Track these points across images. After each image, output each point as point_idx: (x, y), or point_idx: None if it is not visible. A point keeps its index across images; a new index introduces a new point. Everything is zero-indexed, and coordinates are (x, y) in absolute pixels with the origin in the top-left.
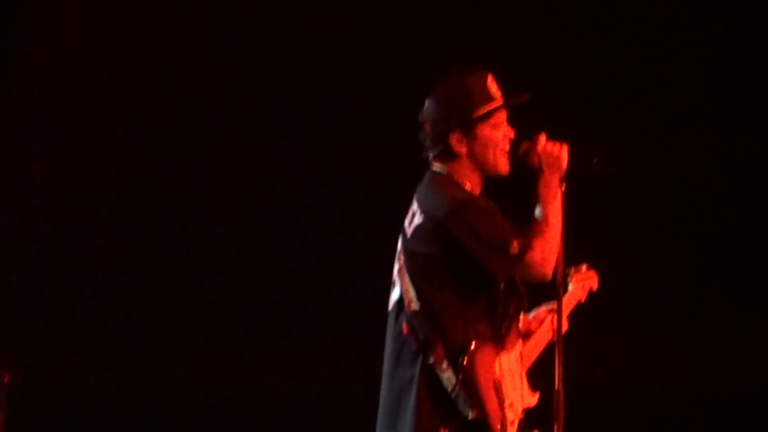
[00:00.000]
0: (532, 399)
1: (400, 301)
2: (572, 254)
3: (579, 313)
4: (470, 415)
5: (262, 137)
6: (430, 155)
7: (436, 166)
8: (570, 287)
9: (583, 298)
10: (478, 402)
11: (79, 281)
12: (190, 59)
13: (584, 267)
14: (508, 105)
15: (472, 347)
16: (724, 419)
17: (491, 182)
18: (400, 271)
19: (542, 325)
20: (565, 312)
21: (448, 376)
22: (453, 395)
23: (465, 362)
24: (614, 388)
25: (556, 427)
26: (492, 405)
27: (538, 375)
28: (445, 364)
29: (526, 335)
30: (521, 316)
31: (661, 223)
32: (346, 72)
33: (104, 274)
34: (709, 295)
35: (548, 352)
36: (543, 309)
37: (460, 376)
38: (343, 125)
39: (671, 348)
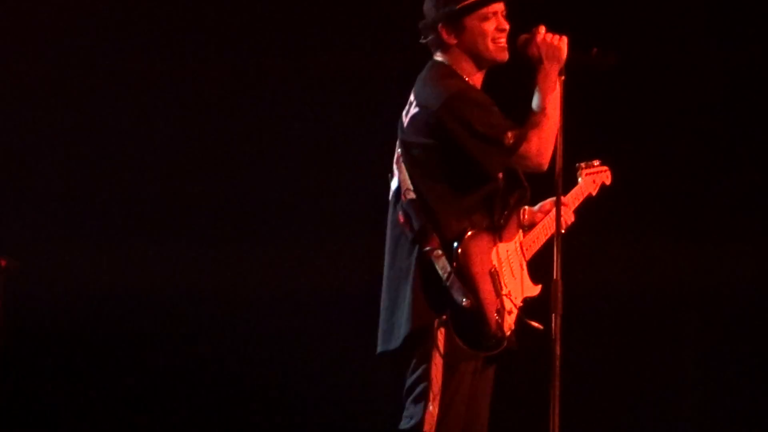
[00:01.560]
0: (534, 289)
1: (398, 191)
2: (577, 149)
3: (587, 207)
4: (464, 303)
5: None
6: (430, 47)
7: (438, 56)
8: (580, 181)
9: (594, 192)
10: (472, 290)
11: (78, 173)
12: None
13: (596, 162)
14: None
15: (467, 236)
16: (721, 320)
17: (492, 73)
18: (397, 161)
19: (546, 216)
20: (573, 205)
21: (443, 265)
22: (447, 283)
23: (459, 250)
24: (614, 283)
25: (553, 317)
26: (487, 293)
27: (543, 266)
28: (439, 252)
29: (529, 226)
30: (524, 208)
31: (662, 119)
32: None
33: (104, 168)
34: (712, 194)
35: (551, 244)
36: (548, 201)
37: (455, 264)
38: (339, 30)
39: (673, 247)
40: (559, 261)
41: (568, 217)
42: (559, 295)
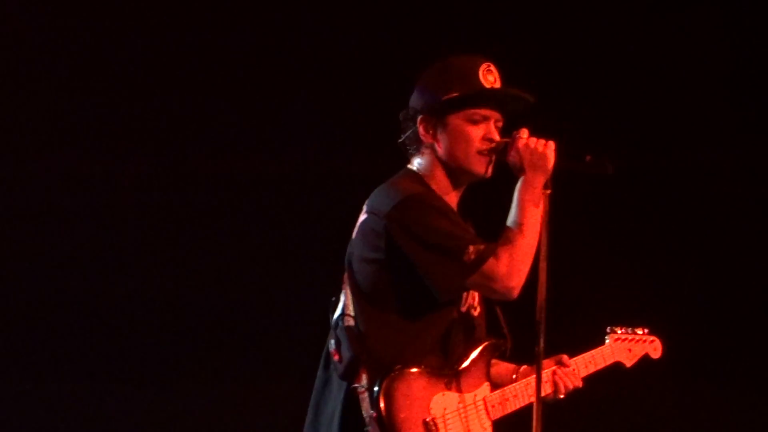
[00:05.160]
0: None
1: (339, 318)
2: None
3: None
4: None
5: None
6: (405, 148)
7: (412, 163)
8: (607, 343)
9: (629, 364)
10: None
11: None
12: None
13: (641, 330)
14: (494, 97)
15: (392, 373)
16: None
17: (471, 189)
18: (344, 282)
19: (519, 382)
20: (583, 371)
21: (366, 407)
22: (367, 429)
23: (381, 391)
24: None
25: None
26: None
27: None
28: (366, 393)
29: (495, 385)
30: (495, 361)
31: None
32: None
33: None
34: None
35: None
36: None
37: (374, 412)
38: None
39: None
40: (539, 415)
41: (570, 381)
42: None
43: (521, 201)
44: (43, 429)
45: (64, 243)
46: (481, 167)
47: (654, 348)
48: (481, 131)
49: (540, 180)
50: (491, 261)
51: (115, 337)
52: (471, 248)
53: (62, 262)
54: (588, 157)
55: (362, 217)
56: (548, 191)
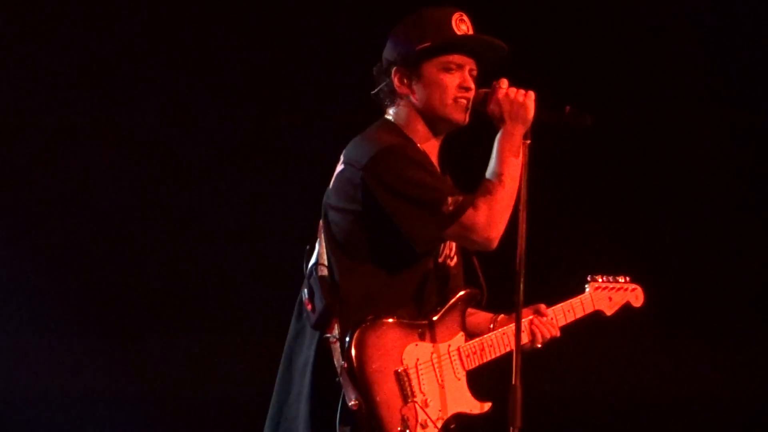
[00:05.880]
0: (475, 406)
1: (313, 267)
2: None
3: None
4: (351, 404)
5: None
6: (380, 100)
7: (388, 113)
8: (585, 293)
9: (610, 312)
10: (365, 390)
11: None
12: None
13: (622, 278)
14: (467, 44)
15: (364, 324)
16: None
17: (448, 141)
18: (319, 231)
19: (495, 331)
20: (561, 320)
21: (338, 357)
22: (339, 379)
23: (350, 341)
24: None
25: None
26: (389, 396)
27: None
28: (338, 344)
29: (472, 335)
30: (471, 310)
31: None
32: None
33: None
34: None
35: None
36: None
37: (345, 362)
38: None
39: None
40: (518, 364)
41: (548, 330)
42: (518, 404)
43: (501, 152)
44: (29, 380)
45: (60, 201)
46: (459, 114)
47: (636, 296)
48: (456, 79)
49: (520, 130)
50: (470, 212)
51: (99, 293)
52: (449, 199)
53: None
54: (567, 109)
55: (339, 167)
56: (528, 141)
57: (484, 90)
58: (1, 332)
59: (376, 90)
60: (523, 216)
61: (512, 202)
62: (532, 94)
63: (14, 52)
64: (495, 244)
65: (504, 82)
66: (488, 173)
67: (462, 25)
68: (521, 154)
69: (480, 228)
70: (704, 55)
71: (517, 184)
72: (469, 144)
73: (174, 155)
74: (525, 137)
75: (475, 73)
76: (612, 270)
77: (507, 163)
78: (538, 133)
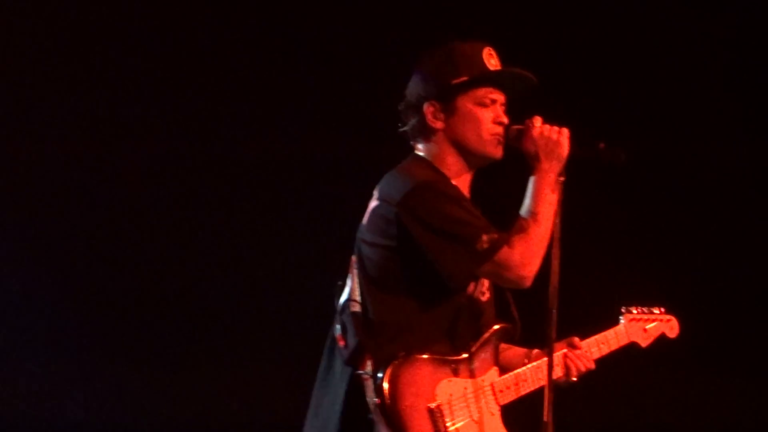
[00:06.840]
0: None
1: (345, 303)
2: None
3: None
4: None
5: None
6: (410, 135)
7: (418, 149)
8: (619, 326)
9: (645, 344)
10: (397, 428)
11: None
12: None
13: (657, 309)
14: (502, 78)
15: (396, 361)
16: None
17: (480, 174)
18: (351, 267)
19: (528, 366)
20: (596, 353)
21: (370, 394)
22: (371, 417)
23: (386, 378)
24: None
25: None
26: None
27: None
28: (370, 380)
29: (504, 369)
30: (504, 345)
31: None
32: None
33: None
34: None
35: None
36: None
37: (378, 399)
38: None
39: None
40: (550, 400)
41: (582, 364)
42: None
43: (536, 189)
44: (60, 407)
45: (82, 225)
46: (495, 149)
47: (671, 327)
48: (491, 114)
49: (555, 168)
50: (505, 249)
51: (130, 320)
52: (484, 236)
53: (77, 246)
54: (601, 145)
55: (373, 203)
56: (562, 179)
57: (517, 127)
58: (28, 357)
59: (405, 127)
60: (556, 252)
61: (547, 241)
62: (566, 132)
63: (14, 52)
64: (529, 282)
65: (538, 120)
66: (523, 211)
67: (491, 59)
68: (556, 192)
69: (514, 266)
70: (736, 85)
71: (551, 222)
72: (497, 179)
73: (217, 189)
74: (559, 174)
75: (504, 108)
76: (648, 302)
77: (542, 202)
78: (570, 169)
